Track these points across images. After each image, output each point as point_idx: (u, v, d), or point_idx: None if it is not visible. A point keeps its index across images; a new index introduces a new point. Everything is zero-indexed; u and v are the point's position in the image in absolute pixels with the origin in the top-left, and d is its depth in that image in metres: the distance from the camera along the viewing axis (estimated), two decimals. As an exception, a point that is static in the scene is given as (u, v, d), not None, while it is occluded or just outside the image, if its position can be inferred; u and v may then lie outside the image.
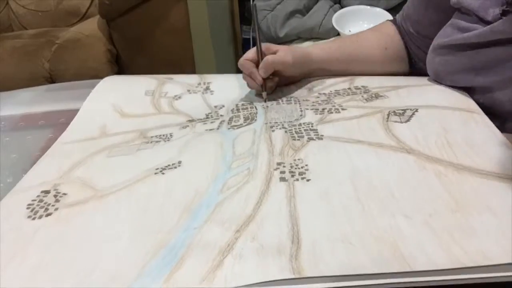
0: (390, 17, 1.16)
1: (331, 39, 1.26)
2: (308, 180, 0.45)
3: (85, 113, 0.63)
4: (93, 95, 0.67)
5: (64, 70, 1.48)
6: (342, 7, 1.27)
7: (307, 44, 1.27)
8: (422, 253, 0.35)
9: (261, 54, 0.62)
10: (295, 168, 0.47)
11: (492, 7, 0.50)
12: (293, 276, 0.34)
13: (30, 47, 1.57)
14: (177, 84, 0.70)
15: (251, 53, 0.63)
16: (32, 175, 0.50)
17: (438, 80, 0.60)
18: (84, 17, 1.77)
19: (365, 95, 0.61)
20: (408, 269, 0.33)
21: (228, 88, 0.69)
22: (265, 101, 0.62)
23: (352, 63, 0.68)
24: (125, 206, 0.44)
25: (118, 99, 0.66)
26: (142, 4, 1.52)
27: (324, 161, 0.48)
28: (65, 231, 0.41)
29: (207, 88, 0.69)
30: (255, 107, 0.62)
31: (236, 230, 0.39)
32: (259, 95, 0.65)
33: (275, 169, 0.47)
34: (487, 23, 0.51)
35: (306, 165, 0.47)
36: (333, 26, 1.20)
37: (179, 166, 0.49)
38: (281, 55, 0.62)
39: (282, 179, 0.45)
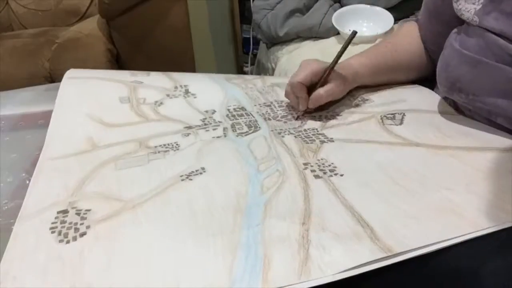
0: (390, 16, 1.16)
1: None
2: (341, 175, 0.46)
3: (60, 125, 0.58)
4: (59, 101, 0.62)
5: (64, 69, 1.45)
6: (342, 6, 1.27)
7: (306, 44, 1.27)
8: (481, 213, 0.38)
9: (328, 75, 0.60)
10: (323, 167, 0.48)
11: None
12: (385, 255, 0.34)
13: (30, 47, 1.56)
14: (150, 88, 0.67)
15: (303, 75, 0.60)
16: (35, 197, 0.45)
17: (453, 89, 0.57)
18: (84, 16, 1.77)
19: (352, 99, 0.65)
20: (479, 228, 0.37)
21: (209, 91, 0.68)
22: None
23: (393, 75, 0.69)
24: (167, 212, 0.42)
25: (91, 108, 0.62)
26: (142, 3, 1.52)
27: (346, 159, 0.49)
28: (114, 247, 0.37)
29: (187, 92, 0.67)
30: (251, 114, 0.62)
31: (302, 223, 0.39)
32: (245, 97, 0.66)
33: (304, 169, 0.48)
34: None
35: (332, 163, 0.49)
36: (333, 25, 1.20)
37: (204, 172, 0.48)
38: (333, 89, 0.61)
39: (317, 177, 0.47)
